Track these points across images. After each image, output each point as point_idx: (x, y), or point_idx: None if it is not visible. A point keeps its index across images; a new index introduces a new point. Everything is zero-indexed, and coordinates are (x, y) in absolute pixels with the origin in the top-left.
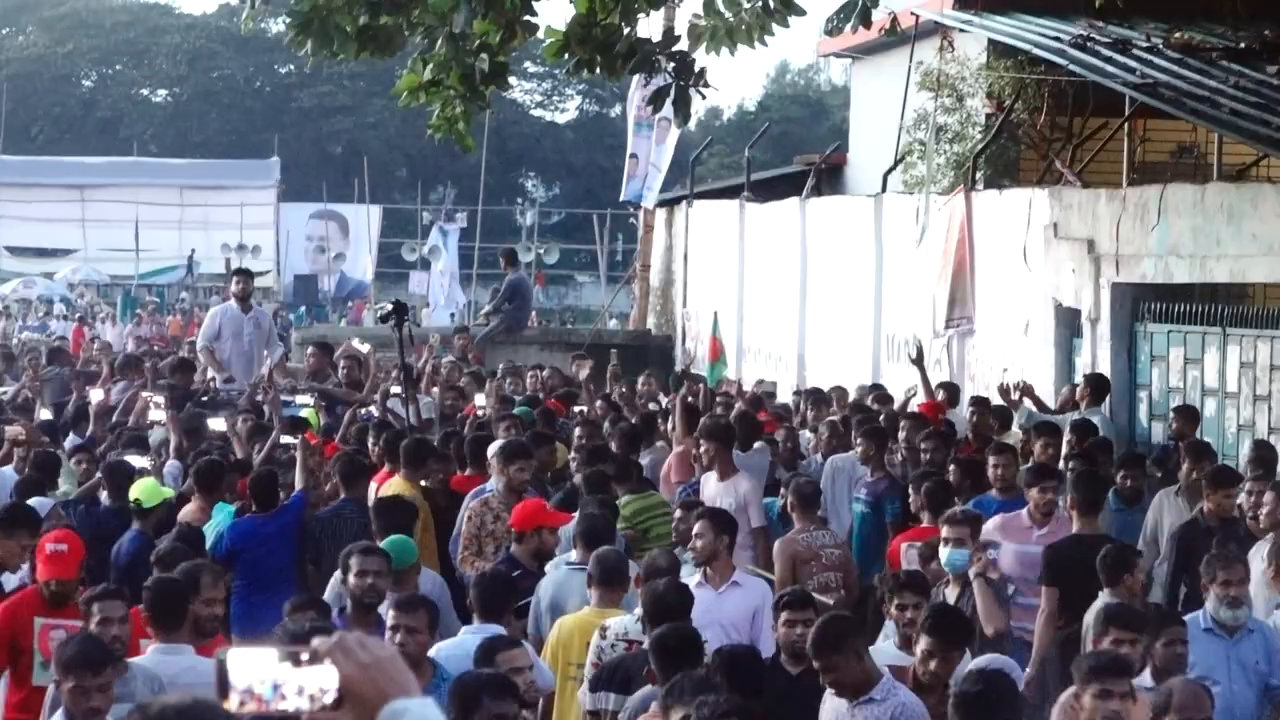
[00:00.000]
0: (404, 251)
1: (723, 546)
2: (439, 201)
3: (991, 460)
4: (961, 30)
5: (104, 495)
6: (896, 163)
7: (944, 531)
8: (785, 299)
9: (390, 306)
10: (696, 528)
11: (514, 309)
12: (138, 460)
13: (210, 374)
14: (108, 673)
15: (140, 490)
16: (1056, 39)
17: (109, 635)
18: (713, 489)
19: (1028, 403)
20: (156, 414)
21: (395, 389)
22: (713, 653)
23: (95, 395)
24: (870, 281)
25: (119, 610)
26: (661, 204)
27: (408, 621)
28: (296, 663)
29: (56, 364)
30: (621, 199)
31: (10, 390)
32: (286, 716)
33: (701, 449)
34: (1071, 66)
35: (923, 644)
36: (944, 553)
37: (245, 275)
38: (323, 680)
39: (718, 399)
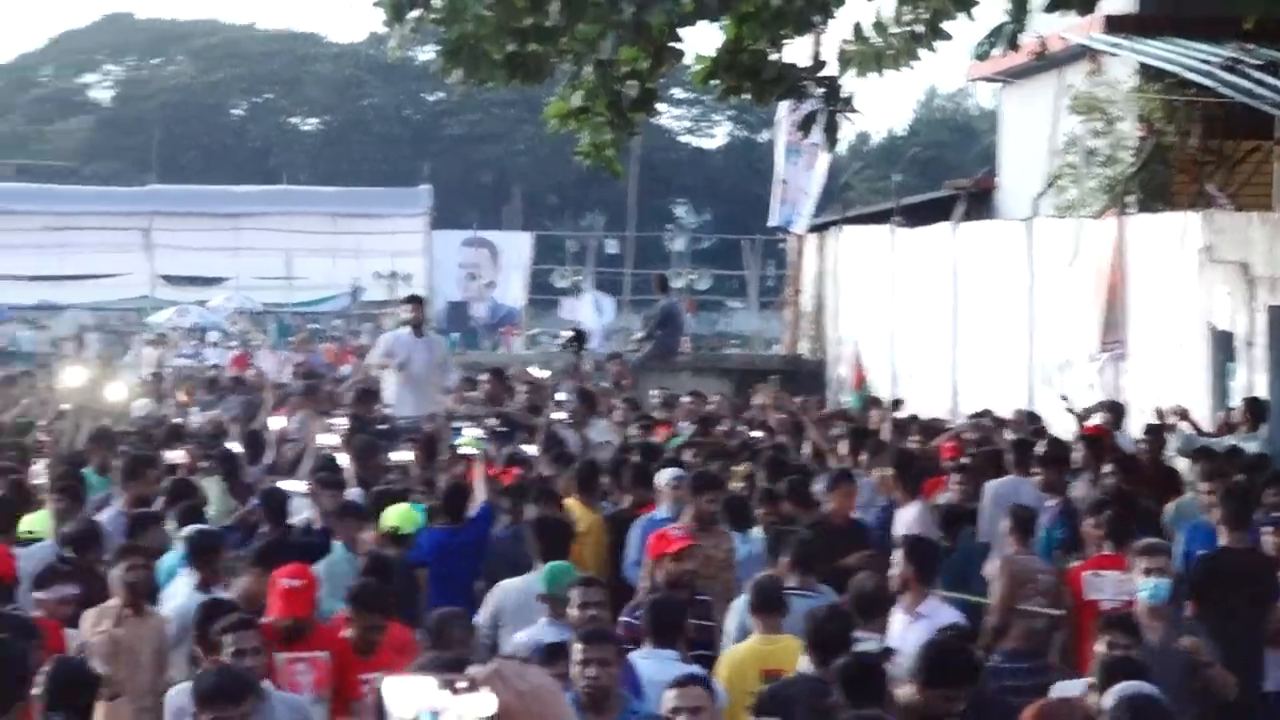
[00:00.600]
0: (554, 278)
1: (912, 574)
2: (589, 228)
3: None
4: (1110, 54)
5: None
6: (1047, 187)
7: (1143, 562)
8: (937, 324)
9: (572, 333)
10: (894, 556)
11: (666, 335)
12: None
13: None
14: (247, 703)
15: (398, 517)
16: (1206, 62)
17: (243, 666)
18: (909, 515)
19: (1185, 426)
20: (326, 439)
21: (558, 415)
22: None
23: (275, 423)
24: (1022, 306)
25: (252, 640)
26: (812, 229)
27: (598, 655)
28: (454, 691)
29: (238, 393)
30: (771, 224)
31: (202, 418)
32: None
33: (891, 475)
34: (1222, 89)
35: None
36: (1145, 583)
37: (418, 302)
38: (480, 708)
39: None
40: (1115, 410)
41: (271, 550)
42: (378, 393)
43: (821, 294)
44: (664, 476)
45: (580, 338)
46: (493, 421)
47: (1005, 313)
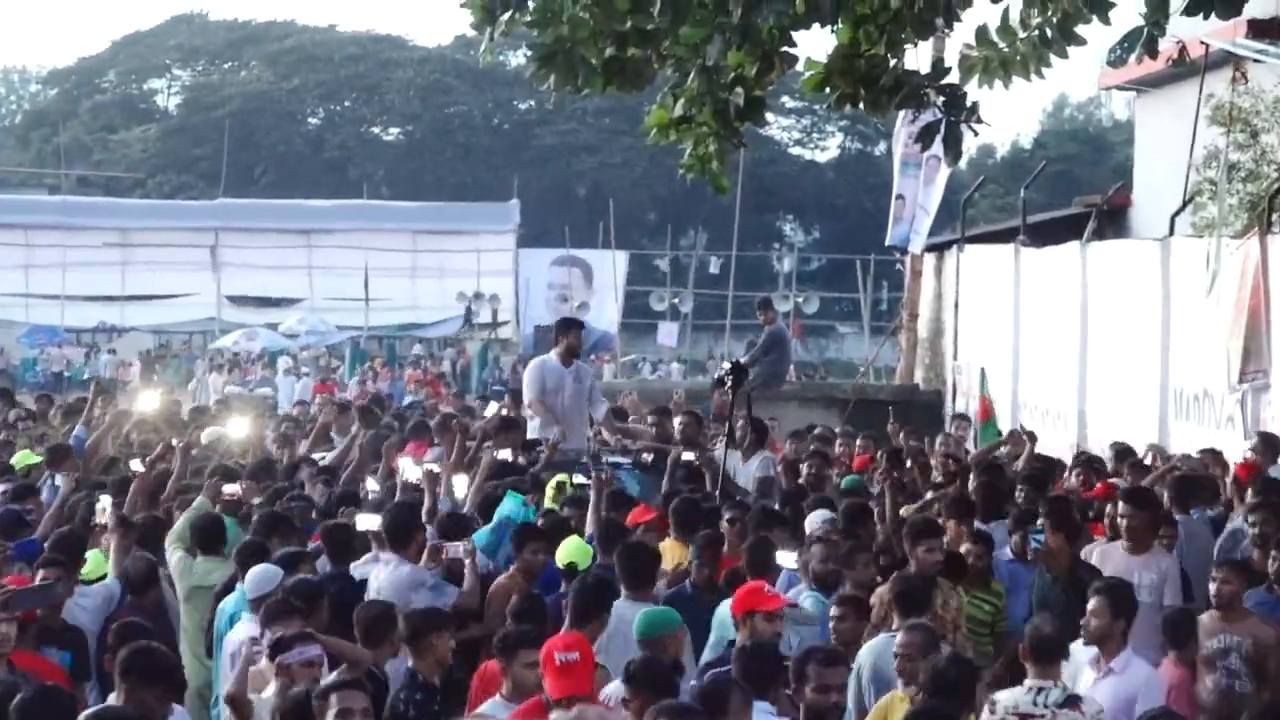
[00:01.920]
0: (652, 301)
1: (1118, 630)
2: (690, 247)
3: None
4: (1256, 60)
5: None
6: (1185, 203)
7: None
8: (1064, 351)
9: (729, 366)
10: (1092, 604)
11: (772, 361)
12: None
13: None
14: None
15: (573, 553)
16: None
17: None
18: (1126, 563)
19: None
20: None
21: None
22: None
23: (404, 465)
24: (1156, 332)
25: (361, 701)
26: (930, 249)
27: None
28: None
29: (365, 425)
30: (887, 244)
31: (331, 454)
32: None
33: (1121, 516)
34: None
35: None
36: None
37: (579, 326)
38: None
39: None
40: (1270, 444)
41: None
42: (522, 425)
43: (939, 319)
44: (816, 519)
45: (739, 371)
46: (647, 456)
47: (1138, 339)
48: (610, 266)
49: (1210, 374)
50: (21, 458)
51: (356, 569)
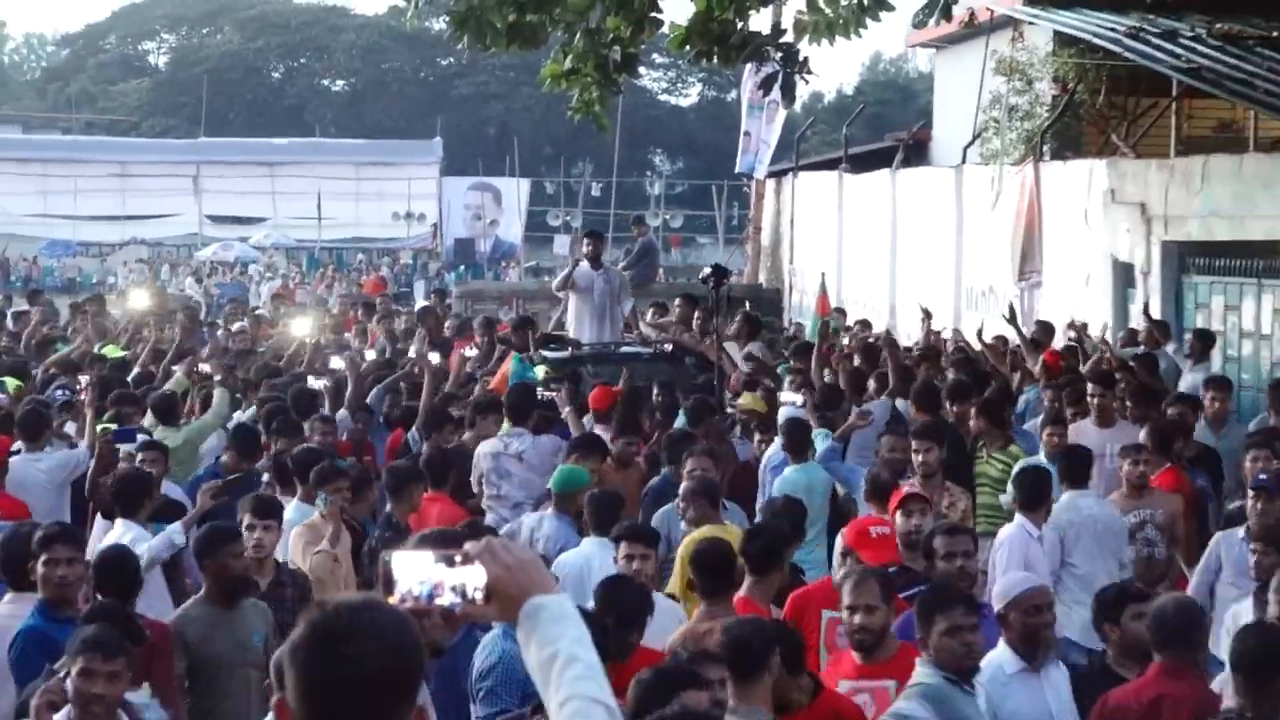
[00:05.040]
0: (549, 218)
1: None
2: (579, 175)
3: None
4: (1030, 23)
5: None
6: (974, 139)
7: None
8: (878, 257)
9: (711, 269)
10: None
11: (644, 267)
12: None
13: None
14: None
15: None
16: (1113, 30)
17: None
18: (1098, 436)
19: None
20: None
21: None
22: None
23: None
24: (951, 242)
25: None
26: (771, 175)
27: (641, 550)
28: (450, 564)
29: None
30: (736, 171)
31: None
32: (443, 610)
33: (1091, 395)
34: (1126, 54)
35: None
36: None
37: (597, 237)
38: (473, 579)
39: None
40: (1047, 331)
41: None
42: (535, 322)
43: (778, 232)
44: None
45: (720, 272)
46: (667, 347)
47: (936, 246)
48: (515, 191)
49: (995, 274)
50: (110, 350)
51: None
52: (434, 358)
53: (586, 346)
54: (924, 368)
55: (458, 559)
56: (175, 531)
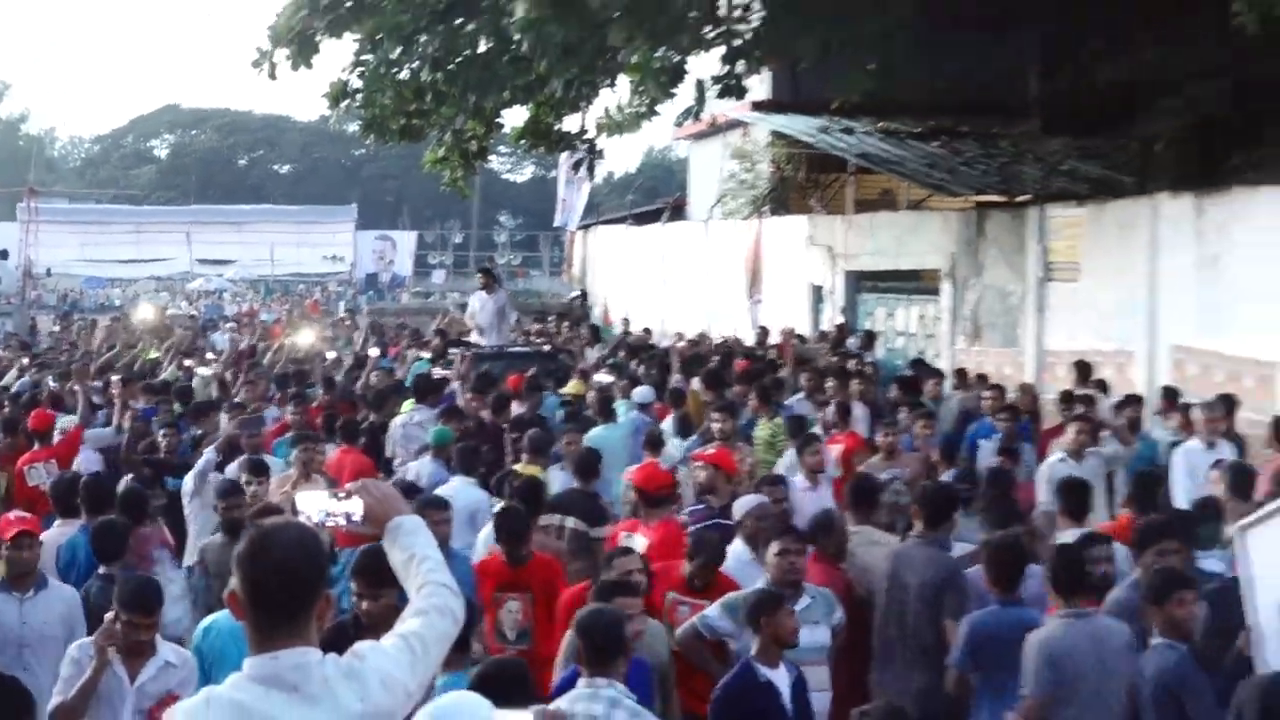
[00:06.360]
0: (429, 258)
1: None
2: (450, 228)
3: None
4: (754, 124)
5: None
6: (717, 202)
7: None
8: (652, 285)
9: (579, 291)
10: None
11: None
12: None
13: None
14: None
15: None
16: (809, 128)
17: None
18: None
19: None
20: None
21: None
22: None
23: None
24: (704, 273)
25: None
26: (580, 228)
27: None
28: (338, 498)
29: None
30: (555, 225)
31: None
32: (333, 528)
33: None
34: (818, 144)
35: None
36: None
37: (487, 273)
38: (354, 508)
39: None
40: (765, 332)
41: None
42: (446, 333)
43: (585, 267)
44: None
45: (584, 295)
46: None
47: (693, 278)
48: (405, 241)
49: (734, 296)
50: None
51: None
52: (374, 352)
53: (487, 348)
54: (716, 360)
55: (342, 494)
56: (210, 451)
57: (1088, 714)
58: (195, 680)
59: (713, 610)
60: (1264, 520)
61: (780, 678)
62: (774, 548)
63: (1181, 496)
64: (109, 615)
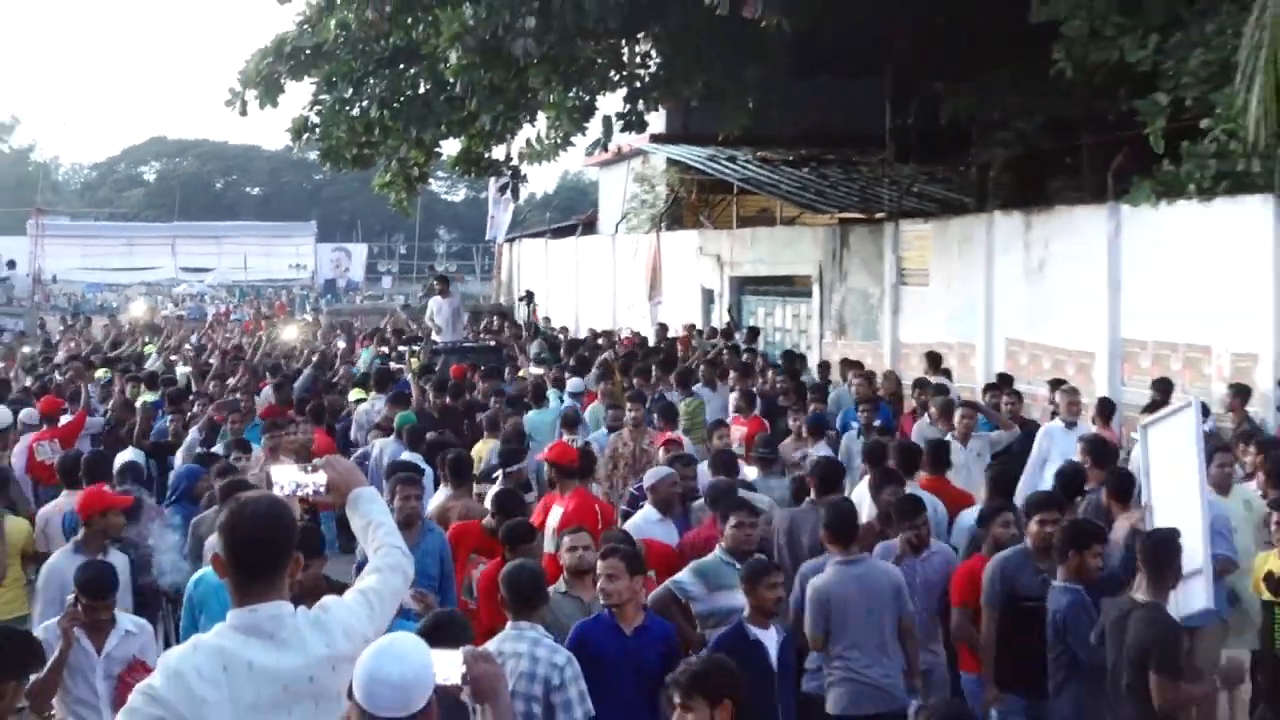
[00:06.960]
0: (379, 266)
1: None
2: (395, 240)
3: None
4: (653, 153)
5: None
6: (622, 219)
7: None
8: (568, 289)
9: (527, 292)
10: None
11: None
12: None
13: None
14: None
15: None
16: (699, 156)
17: None
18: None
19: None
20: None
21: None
22: None
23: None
24: (609, 279)
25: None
26: (507, 241)
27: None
28: (306, 471)
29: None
30: (486, 238)
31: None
32: (302, 497)
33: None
34: (707, 170)
35: None
36: None
37: (442, 278)
38: (320, 480)
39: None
40: (664, 328)
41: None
42: (403, 332)
43: (511, 274)
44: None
45: (531, 296)
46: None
47: (602, 281)
48: (359, 252)
49: (636, 297)
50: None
51: None
52: (341, 344)
53: (443, 343)
54: (640, 353)
55: (309, 468)
56: (194, 431)
57: (860, 644)
58: (154, 645)
59: (684, 574)
60: (1161, 420)
61: (769, 638)
62: (731, 520)
63: (1049, 470)
64: (70, 597)
